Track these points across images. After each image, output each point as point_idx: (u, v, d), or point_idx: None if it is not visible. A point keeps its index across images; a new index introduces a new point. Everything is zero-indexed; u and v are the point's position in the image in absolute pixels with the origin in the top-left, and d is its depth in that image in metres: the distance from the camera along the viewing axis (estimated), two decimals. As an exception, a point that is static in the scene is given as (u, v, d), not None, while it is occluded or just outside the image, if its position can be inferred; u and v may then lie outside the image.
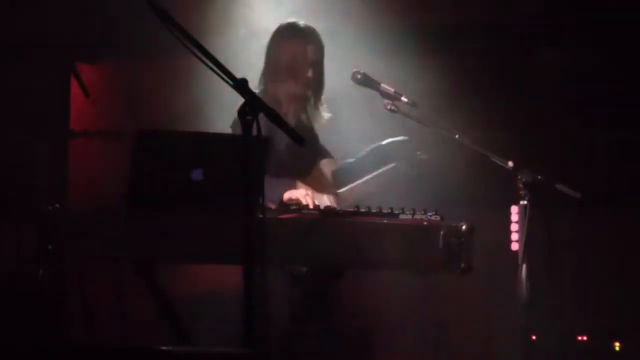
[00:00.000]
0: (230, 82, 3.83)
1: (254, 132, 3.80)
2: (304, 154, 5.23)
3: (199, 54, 3.83)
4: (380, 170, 5.33)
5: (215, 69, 3.82)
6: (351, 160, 5.41)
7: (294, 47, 5.49)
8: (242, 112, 3.79)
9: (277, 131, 4.65)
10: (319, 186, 5.37)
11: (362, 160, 5.37)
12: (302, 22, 5.59)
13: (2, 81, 5.84)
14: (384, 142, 5.35)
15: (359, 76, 5.49)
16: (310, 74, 5.46)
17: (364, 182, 5.35)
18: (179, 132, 5.14)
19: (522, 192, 5.22)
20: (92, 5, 6.25)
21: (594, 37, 6.83)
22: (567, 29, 6.86)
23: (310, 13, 6.31)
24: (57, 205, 4.36)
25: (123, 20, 6.09)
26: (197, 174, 4.36)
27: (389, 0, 6.47)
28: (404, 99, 5.44)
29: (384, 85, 5.48)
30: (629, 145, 6.84)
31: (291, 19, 5.62)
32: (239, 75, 3.88)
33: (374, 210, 4.80)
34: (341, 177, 5.41)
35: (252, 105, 3.80)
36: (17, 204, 5.37)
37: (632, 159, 6.82)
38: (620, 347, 6.59)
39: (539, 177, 5.23)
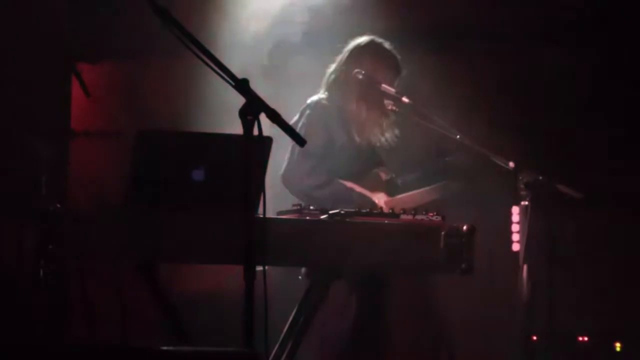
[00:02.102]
0: (232, 83, 3.82)
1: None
2: (359, 159, 5.28)
3: (200, 54, 3.81)
4: (427, 188, 5.38)
5: (216, 69, 3.81)
6: (400, 180, 5.50)
7: (382, 76, 5.45)
8: (243, 112, 3.78)
9: (337, 133, 4.72)
10: (369, 189, 5.41)
11: (414, 178, 5.46)
12: (387, 45, 5.51)
13: (3, 81, 5.84)
14: (438, 164, 5.43)
15: (360, 77, 5.47)
16: (386, 103, 5.45)
17: (412, 194, 5.40)
18: (180, 132, 5.13)
19: (523, 193, 5.21)
20: (92, 6, 6.24)
21: (594, 37, 6.83)
22: (567, 29, 6.86)
23: (312, 14, 6.32)
24: (58, 205, 4.35)
25: (123, 20, 6.09)
26: (198, 174, 4.35)
27: (390, 1, 6.46)
28: (404, 99, 5.43)
29: (384, 86, 5.47)
30: (629, 145, 6.84)
31: (372, 37, 5.53)
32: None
33: (375, 211, 4.81)
34: (392, 187, 5.46)
35: (253, 106, 3.79)
36: (18, 203, 5.36)
37: (632, 159, 6.82)
38: (620, 347, 6.59)
39: (540, 177, 5.23)
